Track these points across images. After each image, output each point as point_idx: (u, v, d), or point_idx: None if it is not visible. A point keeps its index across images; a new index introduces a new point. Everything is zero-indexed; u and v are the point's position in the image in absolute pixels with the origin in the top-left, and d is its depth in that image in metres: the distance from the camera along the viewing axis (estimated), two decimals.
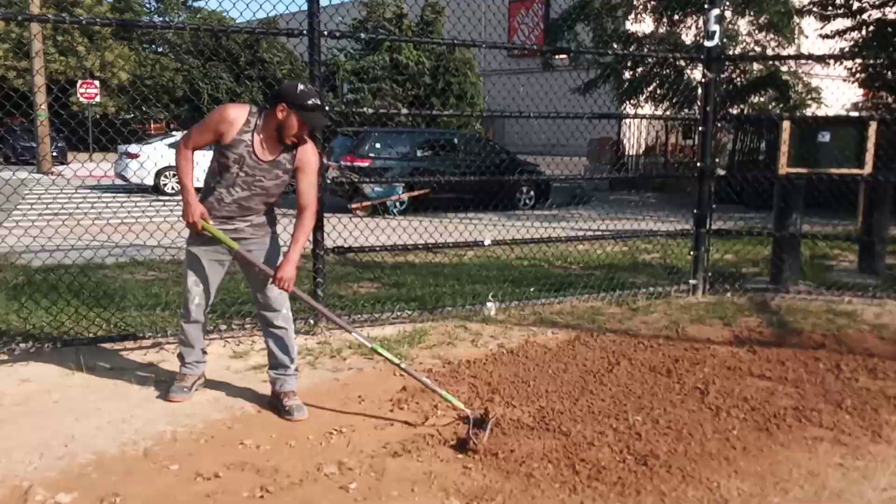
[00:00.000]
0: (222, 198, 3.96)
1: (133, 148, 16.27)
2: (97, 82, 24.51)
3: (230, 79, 32.49)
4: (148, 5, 37.53)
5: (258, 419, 4.04)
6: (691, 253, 7.05)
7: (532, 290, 6.90)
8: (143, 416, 4.03)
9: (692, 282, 7.00)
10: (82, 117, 22.60)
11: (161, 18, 33.22)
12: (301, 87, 3.81)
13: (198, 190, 3.96)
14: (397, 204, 13.83)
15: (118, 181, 16.12)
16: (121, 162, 15.97)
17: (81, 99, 23.16)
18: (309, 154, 3.97)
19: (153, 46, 35.30)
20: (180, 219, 4.03)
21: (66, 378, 4.55)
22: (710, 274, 7.13)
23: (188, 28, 5.43)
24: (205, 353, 4.41)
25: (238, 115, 3.84)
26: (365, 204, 13.35)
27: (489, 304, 6.24)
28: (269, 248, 4.15)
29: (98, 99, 24.21)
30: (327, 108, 5.45)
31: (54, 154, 22.05)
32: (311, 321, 5.53)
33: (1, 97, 5.34)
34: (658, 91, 18.26)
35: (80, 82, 23.81)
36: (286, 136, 3.84)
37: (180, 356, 4.34)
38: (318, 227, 5.43)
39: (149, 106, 30.40)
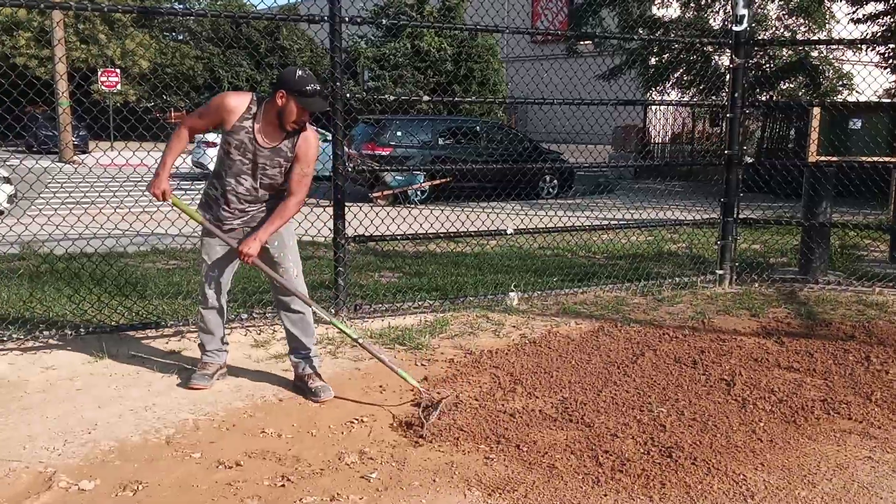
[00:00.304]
0: (234, 189, 4.02)
1: (211, 136, 16.57)
2: (118, 70, 24.64)
3: (250, 66, 32.57)
4: None
5: (279, 408, 4.03)
6: (718, 242, 6.95)
7: (555, 279, 6.84)
8: (165, 403, 4.04)
9: (719, 272, 6.90)
10: (104, 105, 22.75)
11: (181, 6, 33.31)
12: (299, 72, 3.83)
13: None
14: (419, 193, 13.78)
15: (195, 169, 16.31)
16: (198, 150, 16.41)
17: (102, 87, 23.30)
18: (309, 143, 4.00)
19: (174, 34, 35.41)
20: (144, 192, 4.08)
21: (89, 366, 4.57)
22: (737, 264, 7.03)
23: (209, 15, 5.40)
24: (225, 342, 4.41)
25: (238, 103, 3.90)
26: (386, 193, 13.32)
27: (511, 294, 6.18)
28: (283, 232, 4.14)
29: (119, 87, 24.34)
30: (348, 95, 5.42)
31: (76, 143, 22.20)
32: (333, 310, 5.51)
33: (24, 86, 5.34)
34: (685, 77, 18.04)
35: (101, 71, 23.94)
36: (286, 122, 3.87)
37: (201, 345, 4.36)
38: (339, 216, 5.41)
39: (169, 94, 30.55)
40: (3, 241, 5.64)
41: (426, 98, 6.04)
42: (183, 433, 3.70)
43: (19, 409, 3.93)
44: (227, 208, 4.07)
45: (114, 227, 5.96)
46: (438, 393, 4.12)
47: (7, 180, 11.88)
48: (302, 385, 4.22)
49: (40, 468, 3.30)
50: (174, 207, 4.15)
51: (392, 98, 5.84)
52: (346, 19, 5.27)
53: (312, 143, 4.01)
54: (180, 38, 35.40)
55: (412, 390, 4.24)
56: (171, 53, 32.60)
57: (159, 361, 4.67)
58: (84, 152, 22.61)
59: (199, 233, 4.27)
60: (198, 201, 4.31)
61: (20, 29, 26.95)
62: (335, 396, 4.14)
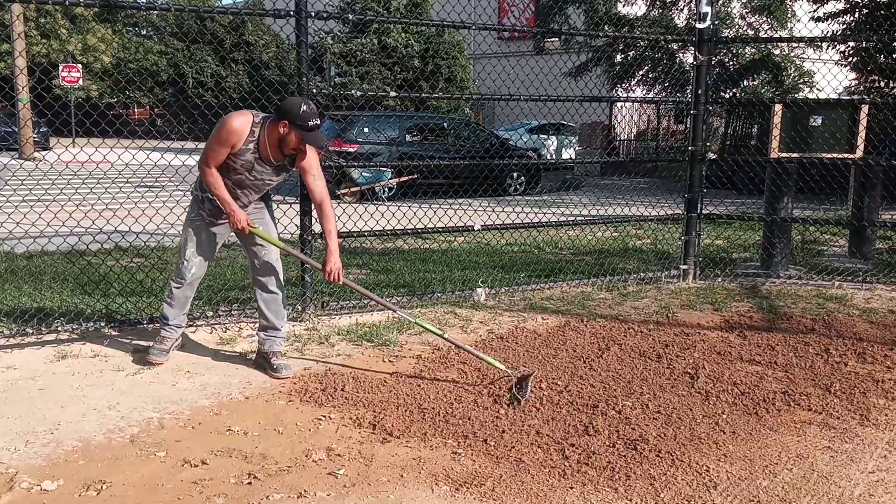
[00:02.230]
0: (238, 197, 4.27)
1: None
2: (80, 66, 24.23)
3: (215, 62, 32.25)
4: None
5: (246, 405, 4.01)
6: (682, 238, 7.03)
7: (522, 275, 6.88)
8: (129, 402, 3.99)
9: (683, 267, 6.99)
10: (65, 101, 22.35)
11: (144, 0, 32.92)
12: (304, 107, 4.03)
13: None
14: (386, 189, 13.76)
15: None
16: None
17: (64, 83, 22.91)
18: (310, 154, 4.24)
19: (137, 29, 34.91)
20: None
21: (50, 365, 4.50)
22: (700, 259, 7.12)
23: (172, 9, 5.33)
24: (185, 317, 4.62)
25: (242, 126, 4.09)
26: (353, 189, 13.28)
27: (479, 290, 6.21)
28: (265, 217, 4.47)
29: (81, 83, 23.95)
30: (315, 91, 5.40)
31: (36, 139, 21.79)
32: (300, 307, 5.49)
33: None
34: (650, 74, 18.21)
35: (62, 66, 23.53)
36: (285, 148, 4.14)
37: (163, 317, 4.52)
38: (306, 213, 5.38)
39: (133, 89, 30.13)
40: None
41: (393, 94, 6.03)
42: (148, 432, 3.66)
43: None
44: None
45: (76, 225, 5.86)
46: (524, 370, 4.33)
47: None
48: (264, 362, 4.46)
49: (1, 469, 3.25)
50: (256, 235, 4.34)
51: (359, 94, 5.83)
52: (312, 14, 5.25)
53: (312, 154, 4.25)
54: (143, 33, 34.92)
55: (380, 386, 4.24)
56: (135, 48, 32.15)
57: (123, 360, 4.61)
58: (45, 149, 22.20)
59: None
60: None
61: None
62: (303, 392, 4.13)
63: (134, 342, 4.92)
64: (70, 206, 9.28)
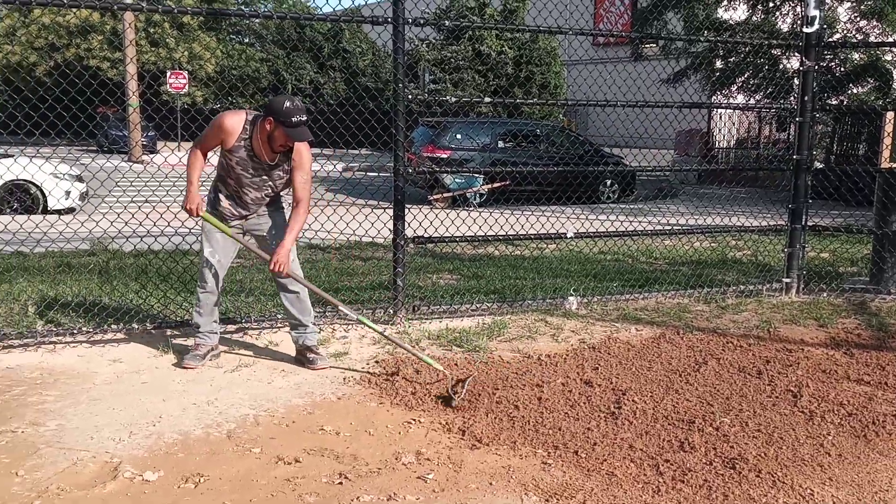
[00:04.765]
0: (240, 195, 4.41)
1: None
2: (186, 73, 25.22)
3: (314, 69, 33.01)
4: None
5: (338, 406, 4.06)
6: (785, 250, 6.76)
7: (615, 284, 6.74)
8: (227, 399, 4.11)
9: (786, 280, 6.71)
10: (172, 106, 23.32)
11: (247, 9, 33.96)
12: (287, 103, 4.13)
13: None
14: (477, 196, 13.77)
15: None
16: None
17: (171, 89, 23.89)
18: (302, 153, 4.32)
19: (240, 37, 36.10)
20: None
21: (154, 360, 4.68)
22: (804, 272, 6.82)
23: (274, 17, 5.48)
24: (217, 323, 4.69)
25: (234, 124, 4.23)
26: (445, 195, 13.34)
27: (570, 298, 6.12)
28: (275, 221, 4.56)
29: (187, 89, 24.92)
30: (410, 97, 5.44)
31: (145, 142, 22.78)
32: (391, 311, 5.53)
33: (97, 87, 5.51)
34: (752, 81, 17.62)
35: (169, 73, 24.53)
36: (274, 146, 4.23)
37: (195, 325, 4.62)
38: (399, 217, 5.42)
39: (235, 96, 31.17)
40: (75, 238, 5.81)
41: (487, 100, 6.02)
42: (244, 428, 3.75)
43: (88, 400, 4.04)
44: (233, 210, 4.47)
45: (180, 225, 6.09)
46: (463, 373, 4.41)
47: (79, 179, 12.28)
48: (301, 357, 4.66)
49: (106, 458, 3.39)
50: (204, 220, 4.43)
51: (453, 100, 5.84)
52: (410, 21, 5.29)
53: (305, 152, 4.33)
54: (246, 40, 36.08)
55: (470, 390, 4.23)
56: (237, 56, 33.24)
57: (222, 357, 4.75)
58: (152, 152, 23.20)
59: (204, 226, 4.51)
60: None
61: (94, 32, 27.79)
62: (391, 395, 4.15)
63: (233, 339, 5.07)
64: (175, 206, 9.67)
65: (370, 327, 4.60)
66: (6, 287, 6.10)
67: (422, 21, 5.40)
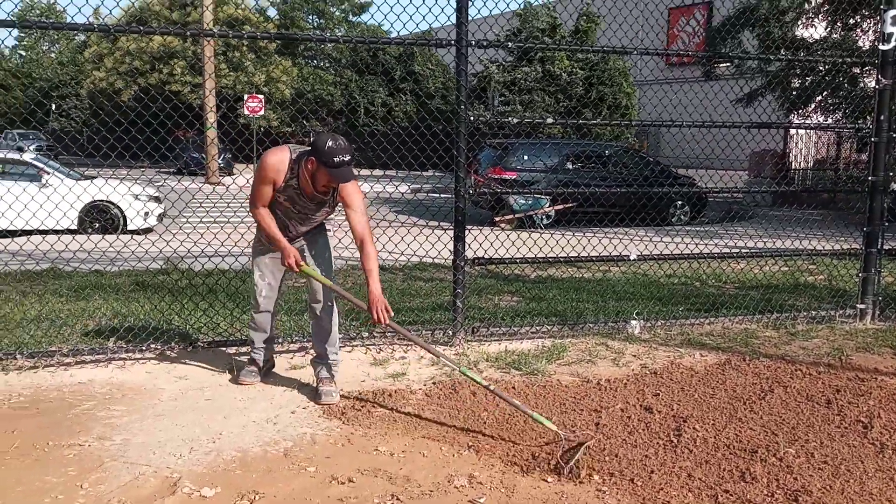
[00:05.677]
0: (287, 227, 4.37)
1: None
2: (262, 96, 25.93)
3: (386, 92, 33.56)
4: (310, 21, 39.37)
5: (394, 426, 4.08)
6: (860, 274, 6.51)
7: (680, 308, 6.60)
8: (285, 417, 4.18)
9: (860, 306, 6.46)
10: (248, 130, 23.97)
11: (321, 33, 34.78)
12: (330, 143, 4.01)
13: None
14: (544, 217, 13.70)
15: None
16: None
17: (247, 113, 24.59)
18: (353, 194, 4.19)
19: (315, 61, 36.99)
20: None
21: (218, 377, 4.79)
22: (880, 298, 6.56)
23: (341, 40, 5.60)
24: (272, 342, 4.76)
25: (280, 164, 4.18)
26: (510, 217, 13.32)
27: (633, 322, 6.02)
28: (318, 240, 4.54)
29: (263, 112, 25.59)
30: (472, 118, 5.47)
31: (221, 165, 23.39)
32: (450, 332, 5.54)
33: (175, 111, 5.73)
34: (829, 100, 17.10)
35: (246, 96, 25.24)
36: (317, 185, 4.17)
37: (251, 341, 4.69)
38: (459, 238, 5.44)
39: (308, 119, 31.89)
40: (147, 257, 6.01)
41: (549, 121, 6.01)
42: (300, 447, 3.81)
43: (153, 415, 4.17)
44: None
45: (247, 245, 6.24)
46: (579, 434, 3.90)
47: (157, 200, 12.74)
48: (315, 386, 4.55)
49: (167, 473, 3.48)
50: (304, 273, 4.39)
51: (515, 121, 5.85)
52: (473, 43, 5.34)
53: (353, 191, 4.20)
54: (320, 64, 36.96)
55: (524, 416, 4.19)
56: (312, 79, 34.06)
57: (283, 376, 4.84)
58: (228, 174, 23.85)
59: (253, 252, 4.60)
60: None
61: (176, 57, 28.89)
62: (448, 418, 4.15)
63: (294, 359, 5.16)
64: (242, 227, 9.92)
65: (470, 377, 4.15)
66: (82, 304, 6.36)
67: (485, 43, 5.44)
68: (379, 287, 4.12)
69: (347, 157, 4.03)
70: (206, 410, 4.25)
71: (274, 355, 4.93)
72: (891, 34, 6.14)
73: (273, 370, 4.84)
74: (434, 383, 4.75)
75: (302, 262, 4.32)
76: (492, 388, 4.09)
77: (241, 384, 4.63)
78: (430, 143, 6.15)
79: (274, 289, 4.59)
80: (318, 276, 4.38)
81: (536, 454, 3.72)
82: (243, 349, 5.20)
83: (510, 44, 6.22)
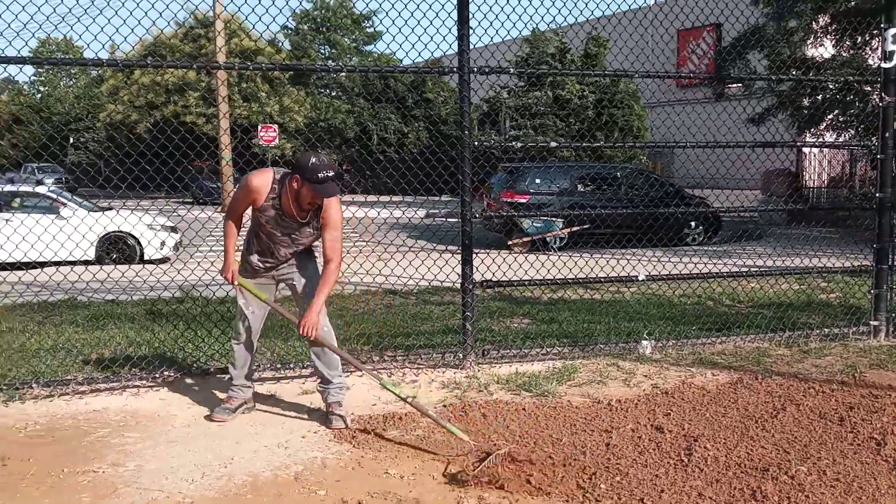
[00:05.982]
0: (273, 251, 4.41)
1: None
2: (276, 126, 26.22)
3: (398, 119, 33.82)
4: (322, 52, 39.84)
5: (404, 450, 4.10)
6: (872, 291, 6.49)
7: (692, 328, 6.60)
8: (296, 442, 4.21)
9: (873, 323, 6.43)
10: (262, 159, 24.20)
11: (334, 63, 35.20)
12: (313, 160, 4.10)
13: None
14: (557, 240, 13.72)
15: None
16: None
17: (261, 142, 24.86)
18: (331, 211, 4.27)
19: (327, 90, 37.37)
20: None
21: None
22: (894, 315, 6.52)
23: (345, 70, 5.70)
24: (251, 379, 4.68)
25: (262, 184, 4.25)
26: (523, 240, 13.34)
27: (644, 342, 6.02)
28: (307, 269, 4.53)
29: (277, 142, 25.86)
30: (476, 143, 5.53)
31: None
32: (461, 355, 5.57)
33: (192, 142, 5.85)
34: (839, 118, 17.08)
35: (260, 126, 25.53)
36: (303, 202, 4.21)
37: (230, 378, 4.66)
38: (467, 262, 5.48)
39: (322, 147, 32.17)
40: (158, 286, 6.08)
41: (553, 144, 6.06)
42: (311, 470, 3.83)
43: (166, 442, 4.21)
44: (262, 265, 4.46)
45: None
46: (489, 446, 4.08)
47: (173, 230, 12.88)
48: (325, 411, 4.54)
49: (179, 498, 3.52)
50: (240, 287, 4.50)
51: (519, 146, 5.90)
52: (475, 70, 5.41)
53: (334, 210, 4.27)
54: (333, 93, 37.33)
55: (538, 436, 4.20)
56: (325, 108, 34.39)
57: (294, 402, 4.88)
58: None
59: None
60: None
61: (190, 89, 29.29)
62: (454, 444, 4.17)
63: (306, 385, 5.19)
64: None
65: (393, 392, 4.41)
66: (98, 334, 6.43)
67: (486, 69, 5.51)
68: (318, 307, 4.26)
69: (331, 174, 4.11)
70: (218, 436, 4.29)
71: (252, 391, 4.75)
72: (892, 52, 6.18)
73: (246, 405, 4.67)
74: (444, 406, 4.77)
75: (238, 277, 4.43)
76: (409, 400, 4.40)
77: (213, 420, 4.51)
78: (437, 168, 6.21)
79: (258, 318, 4.55)
80: (257, 292, 4.44)
81: (548, 475, 3.73)
82: (254, 376, 5.24)
83: (511, 70, 6.29)
